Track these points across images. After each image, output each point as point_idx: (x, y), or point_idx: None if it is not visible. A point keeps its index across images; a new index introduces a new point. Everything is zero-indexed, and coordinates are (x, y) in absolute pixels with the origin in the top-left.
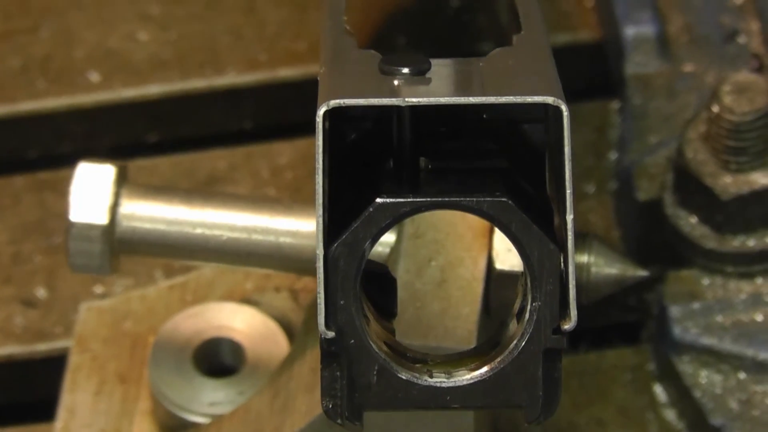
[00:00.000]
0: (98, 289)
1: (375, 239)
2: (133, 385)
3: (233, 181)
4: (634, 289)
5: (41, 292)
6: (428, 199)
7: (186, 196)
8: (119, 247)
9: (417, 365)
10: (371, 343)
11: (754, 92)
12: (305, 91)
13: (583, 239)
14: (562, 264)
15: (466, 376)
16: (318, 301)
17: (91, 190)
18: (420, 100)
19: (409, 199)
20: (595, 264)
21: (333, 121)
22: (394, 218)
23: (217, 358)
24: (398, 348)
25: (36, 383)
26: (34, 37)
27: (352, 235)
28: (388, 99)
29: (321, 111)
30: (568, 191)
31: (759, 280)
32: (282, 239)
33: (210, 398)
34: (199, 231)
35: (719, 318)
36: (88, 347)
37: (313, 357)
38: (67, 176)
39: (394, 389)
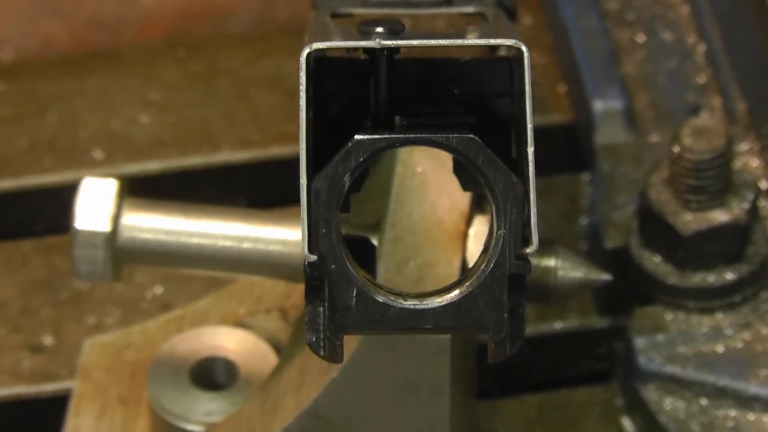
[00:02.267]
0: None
1: (353, 173)
2: (134, 406)
3: None
4: (603, 339)
5: (48, 340)
6: (402, 136)
7: (183, 208)
8: (121, 256)
9: (393, 294)
10: (350, 268)
11: (712, 134)
12: (296, 168)
13: (549, 245)
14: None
15: (437, 299)
16: (302, 228)
17: (95, 202)
18: (393, 42)
19: (384, 136)
20: (562, 268)
21: (316, 93)
22: (371, 153)
23: (212, 376)
24: (376, 282)
25: (43, 422)
26: (41, 120)
27: (332, 168)
28: (365, 42)
29: (305, 52)
30: (529, 125)
31: (719, 315)
32: (272, 247)
33: (205, 408)
34: (195, 240)
35: (682, 349)
36: (91, 376)
37: (300, 361)
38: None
39: (371, 311)
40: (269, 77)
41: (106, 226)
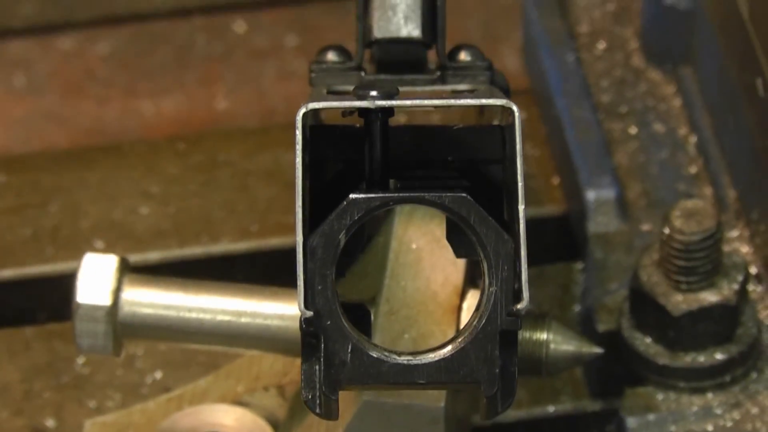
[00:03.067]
0: None
1: (349, 231)
2: None
3: None
4: (596, 422)
5: (50, 422)
6: (396, 194)
7: (182, 283)
8: (122, 330)
9: (387, 351)
10: (345, 324)
11: (702, 216)
12: (294, 259)
13: (542, 319)
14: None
15: (430, 355)
16: (298, 284)
17: (96, 277)
18: (388, 102)
19: (379, 195)
20: (554, 341)
21: (312, 159)
22: (366, 211)
23: None
24: (370, 340)
25: None
26: (43, 210)
27: (328, 225)
28: (359, 102)
29: (301, 112)
30: (520, 184)
31: (709, 395)
32: (269, 321)
33: None
34: (194, 315)
35: (672, 428)
36: None
37: None
38: None
39: (366, 366)
40: (268, 169)
41: (107, 300)
